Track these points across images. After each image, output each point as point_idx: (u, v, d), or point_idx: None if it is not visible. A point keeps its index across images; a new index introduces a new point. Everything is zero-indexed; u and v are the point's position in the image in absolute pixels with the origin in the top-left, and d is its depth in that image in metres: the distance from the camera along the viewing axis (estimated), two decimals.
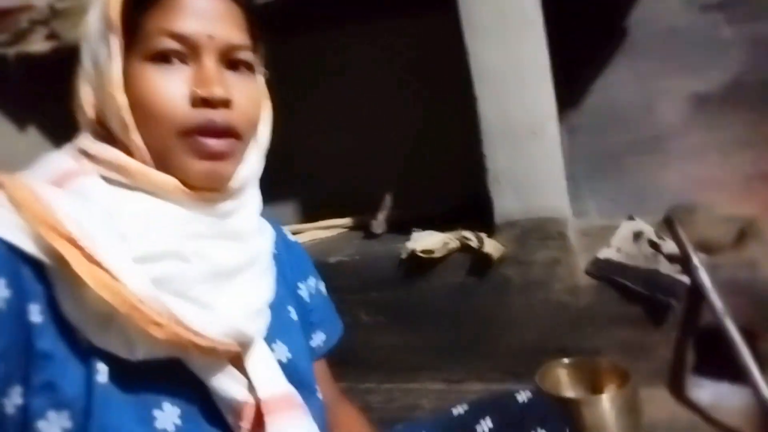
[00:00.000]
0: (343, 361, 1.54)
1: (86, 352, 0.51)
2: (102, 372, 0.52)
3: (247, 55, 0.61)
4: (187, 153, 0.57)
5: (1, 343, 0.47)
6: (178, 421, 0.55)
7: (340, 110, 1.87)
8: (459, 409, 0.90)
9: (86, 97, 0.60)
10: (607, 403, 1.13)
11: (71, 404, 0.50)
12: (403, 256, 1.47)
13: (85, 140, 0.59)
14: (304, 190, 1.99)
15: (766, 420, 1.11)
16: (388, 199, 1.73)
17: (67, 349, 0.51)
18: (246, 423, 0.57)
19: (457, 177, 1.59)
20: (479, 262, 1.41)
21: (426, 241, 1.46)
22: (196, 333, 0.52)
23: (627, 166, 1.79)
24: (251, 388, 0.59)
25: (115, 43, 0.56)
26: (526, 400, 0.88)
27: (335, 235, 1.84)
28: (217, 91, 0.56)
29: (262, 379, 0.59)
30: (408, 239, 1.57)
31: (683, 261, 1.30)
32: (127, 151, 0.57)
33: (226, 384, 0.57)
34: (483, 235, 1.41)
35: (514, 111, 1.35)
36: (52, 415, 0.50)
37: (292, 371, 0.68)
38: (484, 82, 1.36)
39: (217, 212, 0.60)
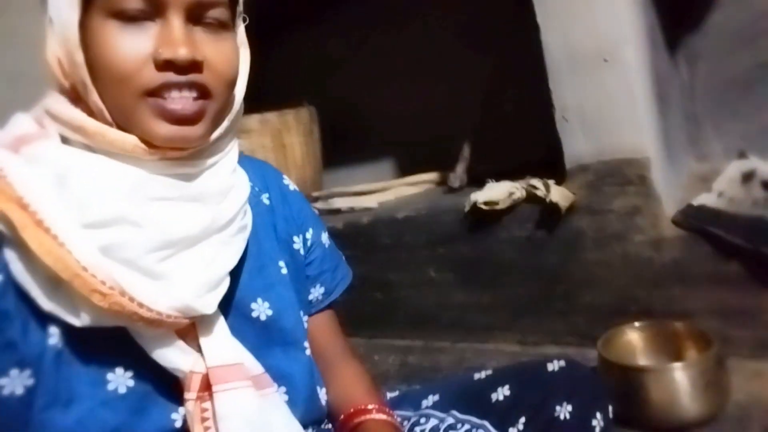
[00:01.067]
0: (415, 318, 1.53)
1: (42, 314, 0.51)
2: (55, 335, 0.52)
3: (219, 13, 0.56)
4: (151, 114, 0.53)
5: None
6: (131, 383, 0.55)
7: (411, 63, 1.80)
8: (482, 374, 0.82)
9: (52, 51, 0.56)
10: (679, 373, 0.96)
11: (33, 363, 0.51)
12: (467, 208, 1.36)
13: (51, 98, 0.57)
14: (385, 147, 1.95)
15: None
16: (465, 151, 1.62)
17: (25, 310, 0.51)
18: (191, 394, 0.55)
19: (534, 124, 1.43)
20: (547, 212, 1.26)
21: (490, 191, 1.33)
22: (141, 305, 0.50)
23: (760, 95, 1.47)
24: (201, 358, 0.57)
25: None
26: (556, 369, 0.76)
27: (419, 192, 1.78)
28: (182, 53, 0.52)
29: (212, 350, 0.57)
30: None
31: None
32: (90, 110, 0.55)
33: (170, 355, 0.55)
34: (550, 182, 1.25)
35: (580, 35, 1.16)
36: (14, 372, 0.50)
37: (273, 330, 0.65)
38: (544, 6, 1.19)
39: (182, 172, 0.57)
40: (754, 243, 1.05)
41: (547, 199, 1.22)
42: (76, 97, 0.56)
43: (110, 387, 0.54)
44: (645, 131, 1.16)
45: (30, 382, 0.50)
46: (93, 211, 0.51)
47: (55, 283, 0.50)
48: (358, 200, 1.77)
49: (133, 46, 0.52)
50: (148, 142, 0.54)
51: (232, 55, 0.58)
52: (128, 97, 0.53)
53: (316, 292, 0.76)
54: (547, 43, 1.20)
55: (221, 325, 0.59)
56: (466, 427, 0.73)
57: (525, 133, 1.53)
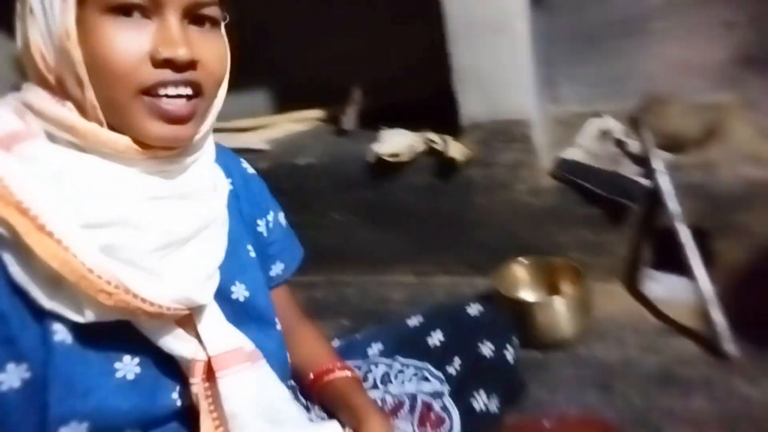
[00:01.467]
0: (320, 256, 1.64)
1: (39, 312, 0.53)
2: (60, 331, 0.53)
3: (213, 11, 0.57)
4: (145, 113, 0.54)
5: None
6: (138, 370, 0.58)
7: None
8: (414, 321, 0.97)
9: (34, 44, 0.55)
10: (559, 304, 1.20)
11: (29, 357, 0.52)
12: (370, 159, 1.46)
13: (31, 93, 0.55)
14: (273, 80, 1.92)
15: (708, 310, 1.18)
16: (357, 94, 1.68)
17: (20, 308, 0.52)
18: (196, 379, 0.59)
19: (425, 71, 1.53)
20: (445, 164, 1.41)
21: (392, 144, 1.44)
22: (144, 300, 0.53)
23: (607, 49, 1.71)
24: (201, 345, 0.62)
25: None
26: (477, 314, 0.93)
27: (307, 130, 1.81)
28: (182, 53, 0.53)
29: (212, 338, 0.61)
30: (376, 138, 1.56)
31: (646, 163, 1.30)
32: (79, 106, 0.54)
33: (173, 344, 0.59)
34: (449, 137, 1.39)
35: (480, 7, 1.27)
36: (11, 366, 0.52)
37: (250, 309, 0.71)
38: None
39: (169, 169, 0.59)
40: (610, 192, 1.31)
41: (447, 154, 1.36)
42: (60, 92, 0.54)
43: (119, 375, 0.57)
44: (529, 96, 1.34)
45: (27, 375, 0.52)
46: (92, 212, 0.52)
47: (55, 283, 0.51)
48: (243, 139, 1.76)
49: (131, 43, 0.52)
50: (139, 142, 0.55)
51: (224, 53, 0.59)
52: (123, 95, 0.53)
53: (277, 269, 0.83)
54: (450, 10, 1.29)
55: (217, 312, 0.63)
56: (412, 370, 0.90)
57: (414, 77, 1.62)
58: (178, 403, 0.61)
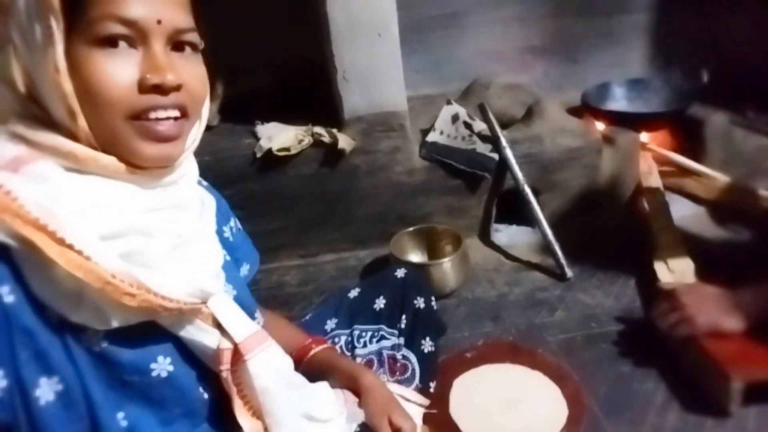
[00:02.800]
0: None
1: (63, 326, 0.55)
2: (93, 341, 0.57)
3: (192, 37, 0.61)
4: (136, 136, 0.58)
5: None
6: (171, 368, 0.63)
7: None
8: (353, 293, 1.15)
9: (18, 77, 0.57)
10: (448, 264, 1.48)
11: (59, 369, 0.55)
12: (259, 155, 1.54)
13: (20, 125, 0.57)
14: None
15: (547, 249, 1.57)
16: (219, 89, 1.70)
17: (43, 323, 0.54)
18: (225, 366, 0.66)
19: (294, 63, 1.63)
20: (332, 154, 1.56)
21: (280, 139, 1.54)
22: (164, 297, 0.58)
23: (429, 41, 2.01)
24: (223, 335, 0.66)
25: (57, 27, 0.54)
26: (403, 276, 1.15)
27: None
28: (170, 78, 0.57)
29: (234, 326, 0.67)
30: (251, 130, 1.63)
31: (493, 140, 1.63)
32: (69, 134, 0.57)
33: (198, 336, 0.64)
34: (335, 131, 1.54)
35: (360, 12, 1.43)
36: (43, 380, 0.55)
37: (240, 306, 0.78)
38: None
39: (162, 184, 0.64)
40: (471, 167, 1.62)
41: (338, 146, 1.52)
42: (48, 121, 0.57)
43: (154, 374, 0.62)
44: (402, 90, 1.56)
45: (59, 387, 0.55)
46: (106, 224, 0.56)
47: (77, 296, 0.54)
48: None
49: (120, 72, 0.56)
50: (132, 163, 0.59)
51: (204, 76, 0.64)
52: (114, 121, 0.56)
53: (244, 270, 0.92)
54: (332, 15, 1.42)
55: (232, 304, 0.69)
56: (370, 333, 1.10)
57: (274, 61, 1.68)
58: (205, 396, 0.68)
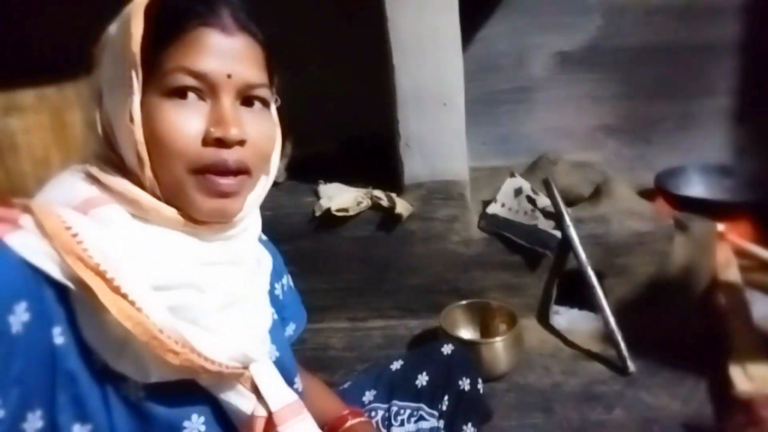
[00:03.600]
0: None
1: (102, 372, 0.55)
2: (131, 391, 0.56)
3: (263, 92, 0.62)
4: (197, 190, 0.58)
5: (17, 367, 0.49)
6: (203, 428, 0.61)
7: None
8: (396, 365, 1.09)
9: (103, 125, 0.60)
10: (500, 344, 1.40)
11: (94, 417, 0.54)
12: (318, 213, 1.54)
13: (96, 168, 0.59)
14: None
15: (609, 338, 1.46)
16: (288, 148, 1.74)
17: (86, 368, 0.54)
18: None
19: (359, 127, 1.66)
20: (388, 218, 1.55)
21: (340, 199, 1.54)
22: (206, 359, 0.57)
23: (497, 114, 2.00)
24: (259, 401, 0.66)
25: (136, 79, 0.56)
26: (450, 352, 1.08)
27: None
28: (234, 132, 0.57)
29: (272, 394, 0.65)
30: (313, 189, 1.65)
31: (556, 217, 1.57)
32: (138, 182, 0.59)
33: (235, 400, 0.63)
34: (394, 195, 1.53)
35: (427, 82, 1.44)
36: (77, 427, 0.54)
37: (280, 368, 0.75)
38: (401, 52, 1.41)
39: (221, 238, 0.63)
40: (531, 243, 1.56)
41: (395, 210, 1.50)
42: (122, 167, 0.60)
43: None
44: (464, 160, 1.54)
45: None
46: (161, 275, 0.56)
47: (122, 344, 0.54)
48: None
49: (188, 124, 0.57)
50: (192, 217, 0.60)
51: (272, 133, 0.65)
52: (178, 172, 0.58)
53: (290, 329, 0.90)
54: (400, 83, 1.44)
55: (273, 370, 0.67)
56: (408, 411, 1.03)
57: (342, 128, 1.72)
58: None
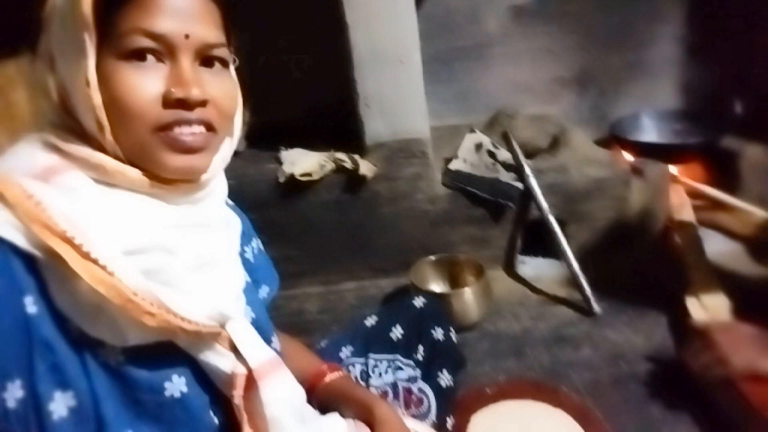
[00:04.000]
0: None
1: (79, 338, 0.55)
2: (110, 356, 0.56)
3: (222, 52, 0.61)
4: (163, 147, 0.58)
5: None
6: (184, 389, 0.61)
7: None
8: (370, 321, 1.11)
9: (57, 90, 0.59)
10: (469, 294, 1.43)
11: (74, 384, 0.54)
12: (282, 180, 1.53)
13: (54, 135, 0.58)
14: None
15: (574, 283, 1.51)
16: (246, 115, 1.71)
17: (62, 336, 0.54)
18: (239, 391, 0.64)
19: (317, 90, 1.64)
20: (353, 180, 1.55)
21: (302, 164, 1.53)
22: (183, 318, 0.57)
23: (454, 71, 2.01)
24: (238, 359, 0.67)
25: (89, 41, 0.55)
26: (422, 305, 1.11)
27: None
28: (195, 93, 0.57)
29: (250, 351, 0.65)
30: (275, 156, 1.63)
31: (517, 169, 1.60)
32: (99, 146, 0.57)
33: (214, 359, 0.63)
34: (357, 156, 1.53)
35: (382, 39, 1.43)
36: (58, 395, 0.53)
37: (256, 329, 0.76)
38: (354, 9, 1.39)
39: (189, 200, 0.63)
40: (494, 195, 1.59)
41: (359, 171, 1.51)
42: (81, 133, 0.58)
43: (167, 393, 0.60)
44: (424, 117, 1.55)
45: (72, 403, 0.54)
46: (132, 239, 0.56)
47: (96, 310, 0.54)
48: None
49: (147, 85, 0.56)
50: (159, 177, 0.59)
51: (234, 92, 0.64)
52: (141, 134, 0.57)
53: (263, 292, 0.89)
54: (355, 42, 1.43)
55: (249, 328, 0.68)
56: (385, 363, 1.06)
57: (301, 95, 1.70)
58: (215, 421, 0.66)
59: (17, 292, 0.51)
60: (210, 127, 0.60)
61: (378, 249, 1.65)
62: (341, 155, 1.54)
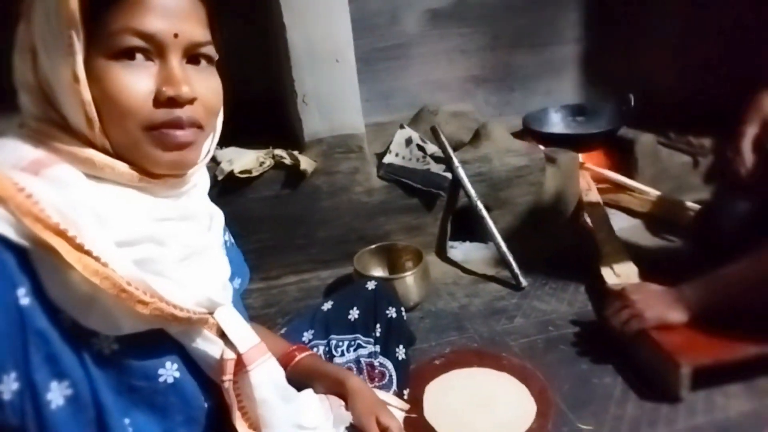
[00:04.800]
0: None
1: (72, 329, 0.56)
2: (104, 345, 0.58)
3: (208, 50, 0.63)
4: (153, 145, 0.59)
5: None
6: (177, 374, 0.63)
7: None
8: (327, 305, 1.18)
9: (42, 84, 0.58)
10: (410, 278, 1.53)
11: (70, 374, 0.55)
12: (220, 178, 1.55)
13: (41, 128, 0.58)
14: None
15: (502, 261, 1.65)
16: None
17: (56, 327, 0.55)
18: (228, 376, 0.66)
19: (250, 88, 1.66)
20: (292, 176, 1.60)
21: (241, 161, 1.56)
22: (175, 306, 0.59)
23: (377, 71, 2.11)
24: (226, 345, 0.70)
25: (77, 39, 0.55)
26: (374, 287, 1.19)
27: None
28: (185, 91, 0.58)
29: (239, 337, 0.68)
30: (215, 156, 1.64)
31: (446, 161, 1.72)
32: (85, 139, 0.58)
33: (203, 346, 0.65)
34: (296, 153, 1.58)
35: (319, 39, 1.49)
36: (54, 385, 0.54)
37: None
38: (291, 10, 1.45)
39: (175, 194, 0.65)
40: (426, 185, 1.70)
41: (300, 167, 1.56)
42: (67, 127, 0.58)
43: (161, 380, 0.62)
44: (359, 113, 1.63)
45: (69, 392, 0.55)
46: (123, 231, 0.57)
47: (90, 300, 0.55)
48: None
49: (137, 84, 0.57)
50: (147, 171, 0.60)
51: (219, 89, 0.65)
52: (132, 131, 0.58)
53: (236, 283, 0.92)
54: (293, 41, 1.48)
55: (237, 316, 0.70)
56: (347, 342, 1.13)
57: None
58: (206, 405, 0.68)
59: (10, 285, 0.52)
60: (198, 126, 0.62)
61: (318, 242, 1.71)
62: (280, 151, 1.59)
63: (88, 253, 0.53)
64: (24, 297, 0.52)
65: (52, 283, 0.54)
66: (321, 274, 1.74)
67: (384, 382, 1.11)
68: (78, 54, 0.55)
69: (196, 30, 0.61)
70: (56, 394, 0.55)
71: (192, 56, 0.62)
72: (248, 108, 1.74)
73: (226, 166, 1.55)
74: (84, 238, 0.53)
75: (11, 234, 0.51)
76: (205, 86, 0.62)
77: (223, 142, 1.67)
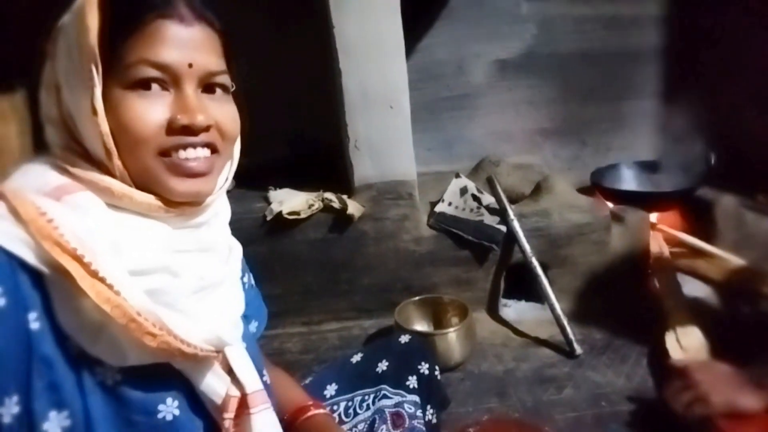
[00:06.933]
0: None
1: (78, 357, 0.55)
2: (107, 375, 0.57)
3: (223, 79, 0.64)
4: (168, 172, 0.60)
5: None
6: (177, 412, 0.62)
7: None
8: (356, 357, 1.11)
9: (64, 117, 0.61)
10: (453, 334, 1.44)
11: (70, 404, 0.55)
12: (269, 218, 1.56)
13: (63, 158, 0.60)
14: None
15: (556, 325, 1.53)
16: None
17: (62, 353, 0.54)
18: (230, 414, 0.65)
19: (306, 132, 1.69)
20: (340, 220, 1.58)
21: (290, 203, 1.56)
22: (182, 341, 0.58)
23: (441, 120, 2.08)
24: (233, 383, 0.67)
25: (96, 72, 0.57)
26: (407, 341, 1.11)
27: None
28: (200, 119, 0.60)
29: (246, 377, 0.67)
30: (263, 195, 1.66)
31: (501, 213, 1.64)
32: (106, 170, 0.59)
33: (209, 381, 0.64)
34: (345, 197, 1.57)
35: (373, 85, 1.49)
36: (53, 414, 0.54)
37: None
38: (347, 56, 1.46)
39: (194, 224, 0.65)
40: (478, 238, 1.62)
41: (347, 212, 1.54)
42: (88, 158, 0.60)
43: (160, 416, 0.61)
44: (411, 160, 1.60)
45: (67, 423, 0.55)
46: (138, 260, 0.57)
47: (99, 328, 0.55)
48: None
49: (152, 114, 0.59)
50: (165, 200, 0.61)
51: (235, 115, 0.67)
52: (145, 158, 0.59)
53: (253, 327, 0.91)
54: (347, 86, 1.49)
55: (246, 355, 0.69)
56: (372, 396, 1.04)
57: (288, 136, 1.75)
58: None
59: (22, 308, 0.52)
60: (214, 149, 0.63)
61: (362, 289, 1.66)
62: (329, 195, 1.58)
63: (102, 280, 0.53)
64: (35, 321, 0.53)
65: (64, 308, 0.54)
66: (363, 323, 1.69)
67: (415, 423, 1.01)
68: (97, 87, 0.57)
69: (211, 59, 0.62)
70: (54, 424, 0.54)
71: (207, 85, 0.63)
72: (304, 152, 1.77)
73: (275, 207, 1.56)
74: (99, 265, 0.53)
75: (29, 257, 0.52)
76: (220, 112, 0.63)
77: (278, 184, 1.69)
